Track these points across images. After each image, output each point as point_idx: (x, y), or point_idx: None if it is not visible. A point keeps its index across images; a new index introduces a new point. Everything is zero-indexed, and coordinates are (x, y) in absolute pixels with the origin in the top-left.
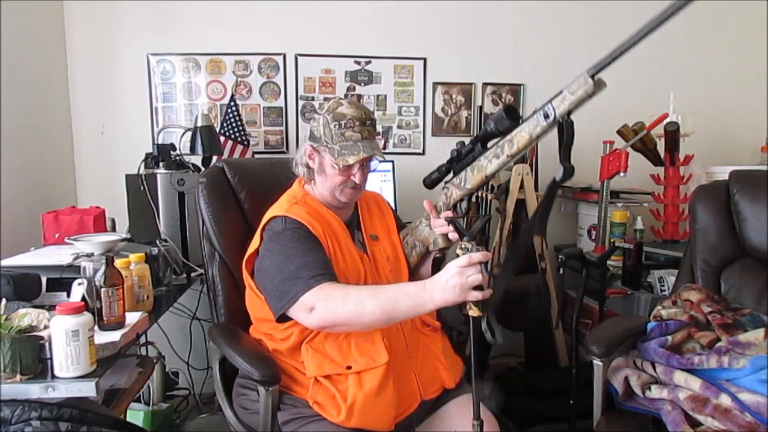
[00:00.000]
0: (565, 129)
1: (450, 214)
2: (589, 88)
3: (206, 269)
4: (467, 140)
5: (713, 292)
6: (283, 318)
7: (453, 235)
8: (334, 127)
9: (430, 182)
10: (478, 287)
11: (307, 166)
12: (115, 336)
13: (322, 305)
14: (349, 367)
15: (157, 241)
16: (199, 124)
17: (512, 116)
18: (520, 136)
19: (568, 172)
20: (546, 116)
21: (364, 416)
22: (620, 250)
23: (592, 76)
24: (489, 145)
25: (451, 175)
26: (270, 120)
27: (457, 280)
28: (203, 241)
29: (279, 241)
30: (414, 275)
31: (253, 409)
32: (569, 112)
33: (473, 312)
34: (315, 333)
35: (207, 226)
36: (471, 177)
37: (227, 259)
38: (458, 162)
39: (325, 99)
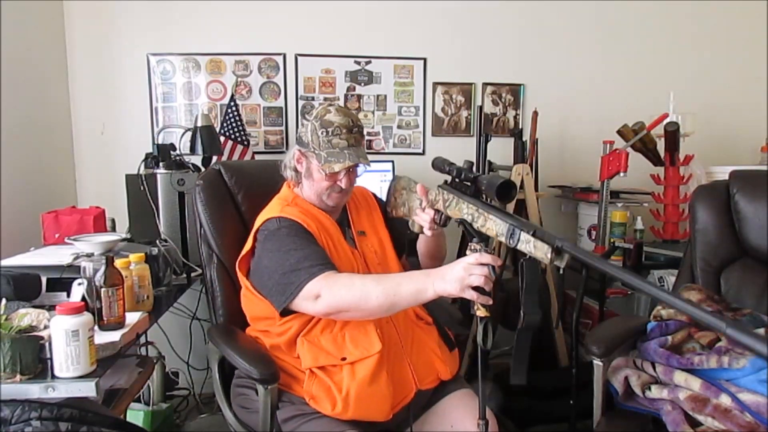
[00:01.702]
0: (525, 272)
1: (432, 212)
2: (546, 258)
3: (204, 271)
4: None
5: (713, 292)
6: (285, 312)
7: (428, 232)
8: (322, 134)
9: (436, 167)
10: (479, 288)
11: (295, 170)
12: (115, 336)
13: (328, 292)
14: (343, 359)
15: (157, 241)
16: (199, 124)
17: (503, 194)
18: (491, 225)
19: (530, 322)
20: (511, 236)
21: (360, 406)
22: (620, 250)
23: (557, 250)
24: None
25: (449, 179)
26: (270, 120)
27: (461, 275)
28: (201, 243)
29: (276, 239)
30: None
31: (252, 409)
32: (530, 258)
33: (480, 312)
34: (311, 326)
35: (205, 228)
36: (453, 208)
37: (225, 261)
38: (458, 179)
39: (325, 99)
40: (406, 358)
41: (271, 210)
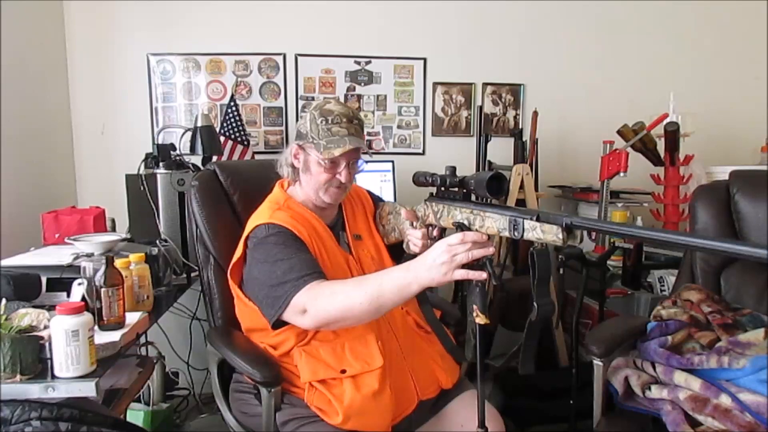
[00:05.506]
0: (537, 262)
1: (423, 230)
2: (558, 240)
3: (201, 273)
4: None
5: (713, 292)
6: (277, 324)
7: (415, 249)
8: (321, 122)
9: (418, 183)
10: (469, 266)
11: (292, 166)
12: (115, 336)
13: (312, 306)
14: (343, 371)
15: (157, 241)
16: (199, 124)
17: (495, 188)
18: (491, 223)
19: (543, 311)
20: (515, 228)
21: (362, 419)
22: (620, 250)
23: (567, 228)
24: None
25: (435, 191)
26: (270, 120)
27: (444, 258)
28: (197, 244)
29: (264, 248)
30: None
31: (251, 413)
32: (541, 244)
33: (480, 320)
34: (309, 338)
35: (200, 229)
36: (446, 218)
37: (222, 262)
38: (444, 188)
39: (325, 99)
40: (407, 369)
41: (261, 215)
